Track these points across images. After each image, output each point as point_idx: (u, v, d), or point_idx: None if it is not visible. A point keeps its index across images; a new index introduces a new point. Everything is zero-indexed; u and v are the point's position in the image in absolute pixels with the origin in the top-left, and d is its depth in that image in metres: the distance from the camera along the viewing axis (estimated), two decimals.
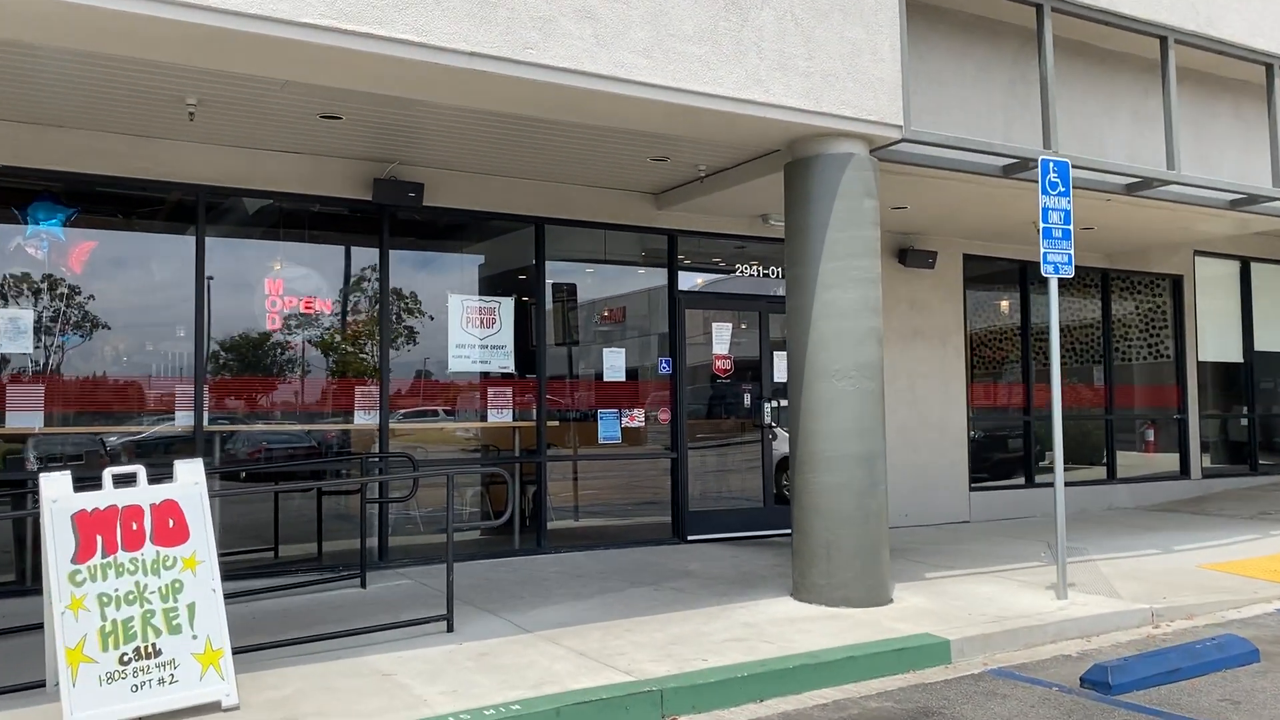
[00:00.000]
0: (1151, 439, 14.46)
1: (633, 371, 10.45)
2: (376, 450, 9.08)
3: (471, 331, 9.48)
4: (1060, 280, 7.80)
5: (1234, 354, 15.08)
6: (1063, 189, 7.76)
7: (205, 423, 8.42)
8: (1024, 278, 13.03)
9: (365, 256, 9.22)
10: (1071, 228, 7.79)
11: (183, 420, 8.39)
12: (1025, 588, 8.09)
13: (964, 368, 12.35)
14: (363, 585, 8.21)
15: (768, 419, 10.85)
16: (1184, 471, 14.26)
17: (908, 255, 11.75)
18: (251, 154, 8.57)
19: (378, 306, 9.13)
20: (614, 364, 10.17)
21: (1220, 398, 15.08)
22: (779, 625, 6.84)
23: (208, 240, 8.49)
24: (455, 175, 9.35)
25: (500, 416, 9.64)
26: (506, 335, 9.65)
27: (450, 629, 6.72)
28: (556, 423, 10.07)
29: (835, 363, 7.45)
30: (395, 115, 7.75)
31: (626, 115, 7.00)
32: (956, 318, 12.33)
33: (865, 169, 7.60)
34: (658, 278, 10.65)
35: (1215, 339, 14.80)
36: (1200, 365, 14.59)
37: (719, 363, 10.80)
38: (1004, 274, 13.02)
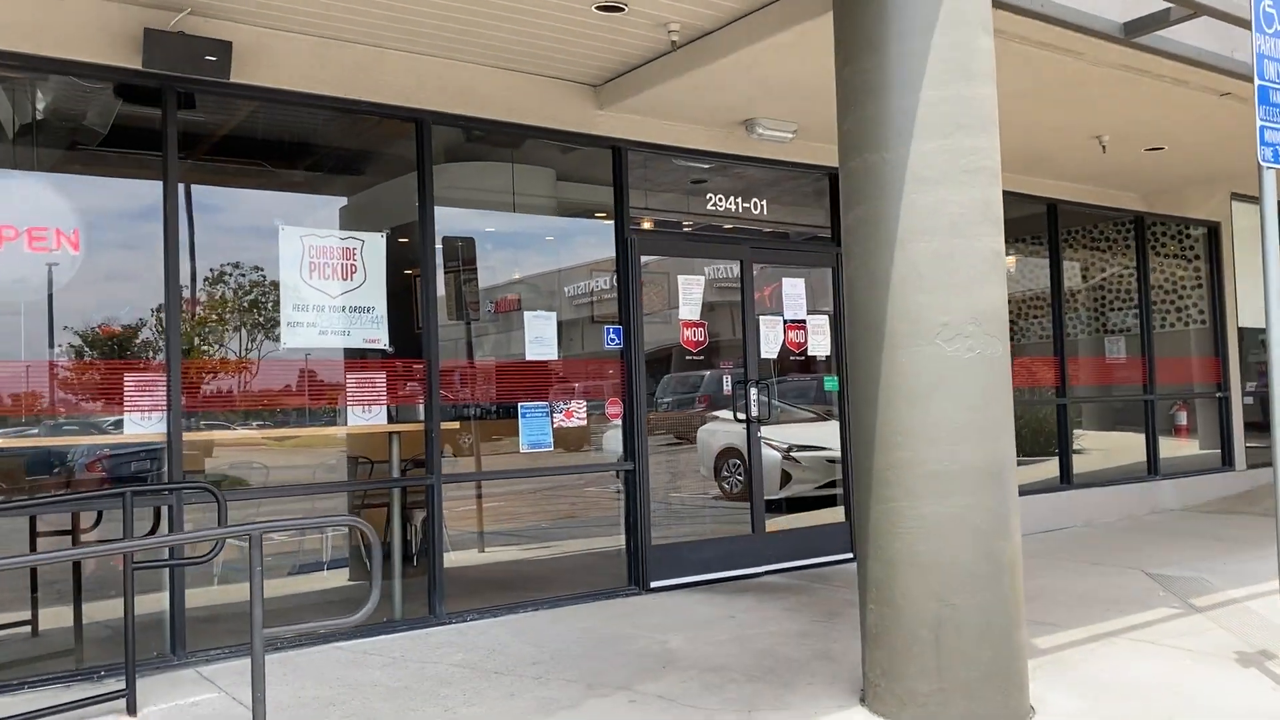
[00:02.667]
0: (1184, 422, 11.88)
1: (568, 348, 7.21)
2: (166, 477, 5.63)
3: (319, 284, 6.09)
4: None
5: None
6: None
7: None
8: (1053, 221, 10.21)
9: (140, 163, 5.75)
10: None
11: None
12: (1202, 661, 5.16)
13: None
14: (130, 711, 4.80)
15: (754, 410, 7.73)
16: (1227, 461, 11.70)
17: None
18: None
19: (162, 244, 5.67)
20: (541, 334, 6.89)
21: (1251, 370, 12.60)
22: None
23: None
24: (287, 38, 5.95)
25: (367, 417, 6.26)
26: (375, 291, 6.28)
27: None
28: (456, 424, 6.77)
29: (940, 311, 4.36)
30: None
31: None
32: None
33: None
34: (595, 231, 7.43)
35: (1249, 300, 12.29)
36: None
37: (687, 332, 7.62)
38: (1028, 219, 10.17)
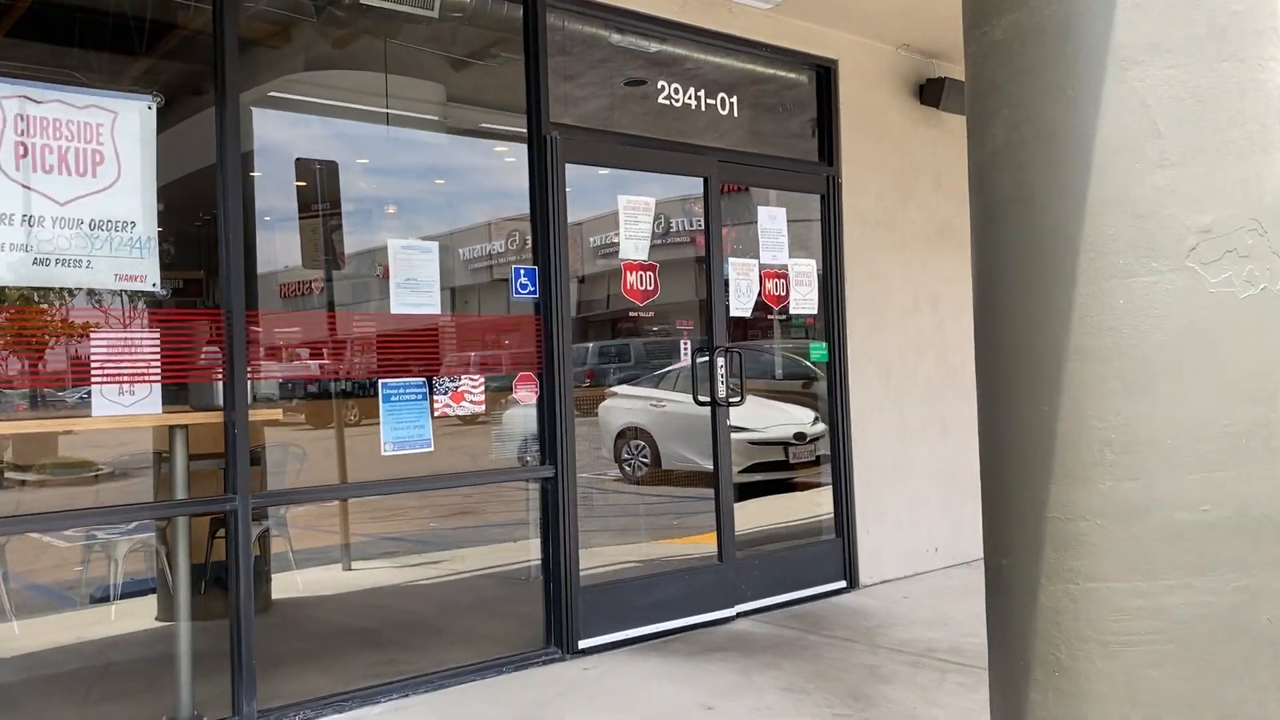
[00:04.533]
0: None
1: (459, 300, 4.93)
2: None
3: (35, 182, 3.63)
4: None
5: None
6: None
7: None
8: None
9: None
10: None
11: None
12: None
13: None
14: None
15: (721, 389, 5.54)
16: None
17: (932, 91, 6.70)
18: None
19: None
20: (415, 275, 4.53)
21: None
22: None
23: None
24: None
25: (127, 401, 3.83)
26: (135, 197, 3.83)
27: None
28: (279, 412, 4.41)
29: (1194, 203, 2.20)
30: None
31: None
32: None
33: None
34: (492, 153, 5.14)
35: None
36: None
37: (631, 278, 5.36)
38: None
